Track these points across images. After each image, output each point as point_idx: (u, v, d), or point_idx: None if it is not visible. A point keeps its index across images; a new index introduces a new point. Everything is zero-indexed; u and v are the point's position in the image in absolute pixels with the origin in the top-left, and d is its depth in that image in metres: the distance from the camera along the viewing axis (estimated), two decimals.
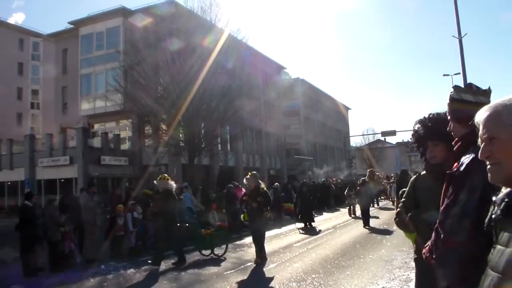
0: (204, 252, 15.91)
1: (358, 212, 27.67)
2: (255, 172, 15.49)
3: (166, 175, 15.79)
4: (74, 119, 43.24)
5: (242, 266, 13.81)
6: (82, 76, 45.07)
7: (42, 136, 45.51)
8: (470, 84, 3.68)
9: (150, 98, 31.09)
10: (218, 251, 15.98)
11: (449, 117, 3.65)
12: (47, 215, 14.72)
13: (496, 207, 2.05)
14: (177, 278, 12.44)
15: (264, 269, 13.28)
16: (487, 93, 3.56)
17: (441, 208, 3.39)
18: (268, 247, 17.81)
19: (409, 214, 4.72)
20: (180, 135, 32.96)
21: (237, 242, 19.86)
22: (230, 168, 48.19)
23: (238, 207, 24.38)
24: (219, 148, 44.36)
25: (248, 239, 20.54)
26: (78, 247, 15.81)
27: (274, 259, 14.84)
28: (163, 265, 14.34)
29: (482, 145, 2.05)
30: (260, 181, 14.74)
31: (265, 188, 14.99)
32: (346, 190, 32.61)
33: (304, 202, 25.96)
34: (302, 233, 21.84)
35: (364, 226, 23.33)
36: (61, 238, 14.82)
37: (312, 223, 25.13)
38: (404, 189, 7.30)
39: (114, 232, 15.94)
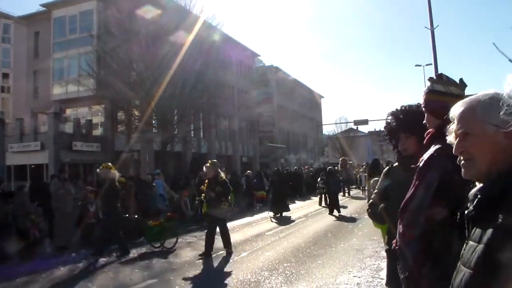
0: (154, 244, 15.32)
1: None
2: (215, 160, 14.97)
3: (109, 164, 15.26)
4: (46, 104, 42.64)
5: (214, 254, 13.77)
6: (54, 60, 44.41)
7: (13, 120, 44.79)
8: (440, 74, 3.69)
9: (124, 84, 30.86)
10: (168, 244, 15.22)
11: (423, 108, 3.67)
12: (16, 202, 14.52)
13: (469, 203, 2.06)
14: (149, 266, 12.41)
15: (236, 257, 13.29)
16: (458, 84, 3.57)
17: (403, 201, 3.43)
18: (240, 235, 17.91)
19: (382, 205, 4.72)
20: (153, 122, 32.80)
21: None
22: (202, 155, 48.02)
23: None
24: (192, 135, 44.19)
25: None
26: (49, 235, 15.61)
27: (246, 248, 14.88)
28: (134, 254, 14.31)
29: (456, 140, 2.06)
30: (219, 170, 14.21)
31: (224, 177, 14.24)
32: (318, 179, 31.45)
33: (277, 191, 25.61)
34: (274, 222, 21.72)
35: (330, 213, 23.60)
36: (31, 225, 14.68)
37: (284, 213, 24.73)
38: (376, 178, 7.34)
39: (85, 220, 15.75)
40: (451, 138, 2.18)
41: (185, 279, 10.57)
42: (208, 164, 14.15)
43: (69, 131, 39.42)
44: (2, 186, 14.85)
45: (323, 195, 29.19)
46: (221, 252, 14.08)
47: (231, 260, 12.88)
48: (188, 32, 30.57)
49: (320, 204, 29.27)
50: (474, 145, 1.98)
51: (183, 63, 29.40)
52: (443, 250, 2.82)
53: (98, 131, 43.62)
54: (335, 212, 24.40)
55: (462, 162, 2.05)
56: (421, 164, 3.25)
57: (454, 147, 2.08)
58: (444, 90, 3.51)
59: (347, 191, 38.23)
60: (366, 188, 37.07)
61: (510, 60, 2.97)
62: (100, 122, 43.97)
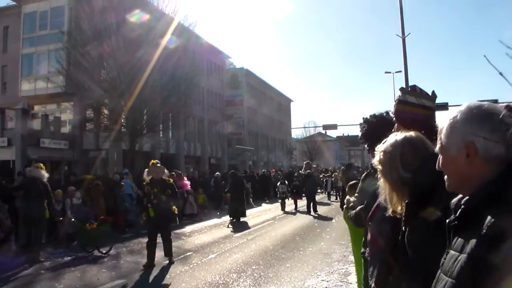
0: (88, 248, 14.54)
1: (290, 207, 28.17)
2: (157, 161, 13.57)
3: (41, 164, 14.95)
4: (14, 99, 41.99)
5: (182, 256, 13.78)
6: (23, 56, 43.76)
7: None
8: (414, 86, 3.74)
9: (93, 82, 30.61)
10: (103, 249, 14.35)
11: (393, 118, 3.72)
12: None
13: (451, 213, 2.09)
14: (116, 266, 12.34)
15: (204, 259, 13.28)
16: (431, 97, 3.62)
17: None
18: (208, 236, 17.92)
19: (362, 206, 4.75)
20: (122, 120, 32.58)
21: (177, 231, 19.80)
22: (171, 155, 47.83)
23: (180, 194, 24.32)
24: (161, 135, 44.00)
25: (189, 228, 20.56)
26: (14, 233, 15.34)
27: (214, 249, 14.87)
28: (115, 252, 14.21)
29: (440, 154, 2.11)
30: (165, 171, 13.11)
31: (171, 180, 13.46)
32: (278, 183, 30.76)
33: (235, 195, 23.77)
34: (229, 228, 20.54)
35: (308, 213, 25.15)
36: None
37: (241, 218, 23.24)
38: (353, 182, 7.41)
39: (51, 218, 15.47)
40: (375, 159, 2.24)
41: (153, 279, 10.54)
42: (152, 165, 12.94)
43: (37, 127, 38.89)
44: None
45: (285, 200, 28.52)
46: (188, 254, 14.09)
47: (199, 262, 12.86)
48: (161, 32, 30.46)
49: (282, 209, 27.98)
50: (443, 163, 2.08)
51: (153, 62, 29.28)
52: (403, 265, 2.86)
53: (66, 129, 43.09)
54: (312, 212, 25.46)
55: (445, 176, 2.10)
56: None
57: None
58: (417, 102, 3.56)
59: None
60: (332, 192, 37.06)
61: (500, 74, 3.00)
62: (69, 119, 43.46)
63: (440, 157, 2.09)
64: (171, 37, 30.02)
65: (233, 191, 24.10)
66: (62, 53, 34.63)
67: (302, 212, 26.68)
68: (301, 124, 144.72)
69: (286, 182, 29.71)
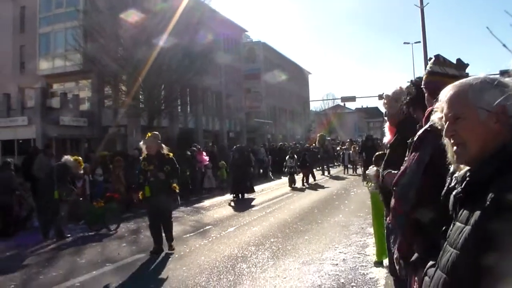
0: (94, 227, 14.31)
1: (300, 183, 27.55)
2: (155, 132, 12.07)
3: (80, 158, 14.61)
4: (33, 78, 42.20)
5: (202, 229, 13.90)
6: (40, 35, 43.89)
7: None
8: (438, 55, 3.72)
9: (110, 59, 30.62)
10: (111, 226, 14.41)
11: (423, 86, 3.72)
12: (1, 178, 14.43)
13: (457, 184, 2.09)
14: (136, 241, 12.47)
15: (222, 232, 13.36)
16: (456, 65, 3.60)
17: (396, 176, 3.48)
18: (227, 210, 18.03)
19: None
20: (140, 96, 32.63)
21: (196, 205, 19.95)
22: (189, 130, 47.89)
23: (197, 169, 24.37)
24: (179, 110, 44.01)
25: (208, 202, 20.69)
26: (36, 211, 15.50)
27: (233, 223, 14.97)
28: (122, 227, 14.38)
29: (447, 123, 2.07)
30: (163, 145, 11.51)
31: (171, 154, 11.56)
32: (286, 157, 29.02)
33: (238, 170, 22.61)
34: (228, 209, 19.04)
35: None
36: (15, 202, 14.67)
37: (246, 195, 22.27)
38: (380, 152, 7.39)
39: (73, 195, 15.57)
40: (435, 117, 2.20)
41: (172, 253, 10.63)
42: (147, 137, 11.46)
43: (56, 106, 39.09)
44: None
45: (294, 175, 27.35)
46: (208, 227, 14.19)
47: (218, 235, 12.94)
48: (176, 7, 30.33)
49: (290, 185, 26.61)
50: (466, 129, 1.99)
51: (170, 38, 29.16)
52: (432, 228, 2.87)
53: (85, 106, 43.31)
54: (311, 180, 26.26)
55: (454, 147, 2.07)
56: (415, 140, 3.29)
57: (444, 130, 2.10)
58: (440, 71, 3.55)
59: (326, 169, 36.34)
60: (350, 166, 36.34)
61: (504, 45, 2.98)
62: (87, 96, 43.64)
63: (450, 125, 2.06)
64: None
65: (237, 166, 22.84)
66: (79, 31, 34.69)
67: (312, 188, 26.22)
68: (319, 96, 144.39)
69: (295, 156, 28.50)
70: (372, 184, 8.48)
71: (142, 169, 11.17)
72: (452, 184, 2.23)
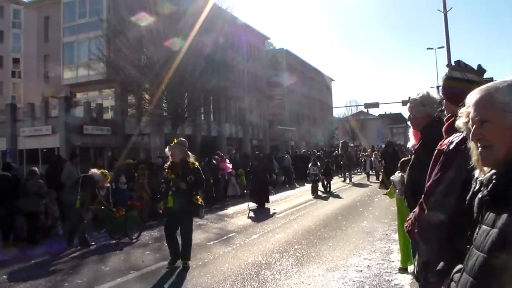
0: (115, 235, 14.22)
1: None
2: (182, 139, 11.37)
3: (107, 172, 14.69)
4: (56, 88, 42.74)
5: (225, 237, 13.89)
6: (64, 45, 44.50)
7: (24, 105, 44.89)
8: (459, 61, 3.71)
9: (134, 67, 30.84)
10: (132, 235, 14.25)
11: (441, 94, 3.70)
12: (28, 186, 14.58)
13: (482, 187, 2.07)
14: (160, 249, 12.44)
15: (246, 239, 13.35)
16: (476, 71, 3.58)
17: (427, 184, 3.43)
18: (250, 218, 17.97)
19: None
20: (163, 105, 32.82)
21: (220, 212, 19.98)
22: (213, 138, 48.12)
23: (220, 177, 24.37)
24: (202, 118, 44.18)
25: (232, 209, 20.69)
26: (61, 218, 15.61)
27: (257, 230, 14.95)
28: (146, 235, 14.42)
29: (473, 127, 2.06)
30: (189, 153, 10.70)
31: (196, 164, 10.79)
32: (309, 165, 27.41)
33: (257, 178, 21.84)
34: (252, 216, 18.60)
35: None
36: (42, 210, 14.79)
37: (266, 204, 21.34)
38: (405, 158, 7.35)
39: (96, 204, 15.60)
40: (460, 122, 2.18)
41: (196, 261, 10.62)
42: (173, 144, 10.70)
43: (79, 115, 39.44)
44: (13, 172, 14.81)
45: (318, 183, 26.44)
46: (231, 235, 14.18)
47: (242, 242, 12.93)
48: (198, 14, 30.47)
49: (313, 193, 25.55)
50: (493, 133, 1.99)
51: (193, 46, 29.33)
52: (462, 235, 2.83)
53: (108, 115, 43.67)
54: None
55: (480, 149, 2.05)
56: (451, 147, 3.24)
57: (471, 133, 2.08)
58: (461, 76, 3.53)
59: (348, 176, 35.28)
60: (370, 172, 35.81)
61: None
62: (111, 105, 44.05)
63: (476, 128, 2.05)
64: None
65: (256, 174, 22.19)
66: (102, 40, 35.00)
67: (335, 195, 25.95)
68: (342, 103, 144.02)
69: (318, 163, 27.16)
70: (397, 190, 8.44)
71: (166, 177, 10.59)
72: (477, 187, 2.21)
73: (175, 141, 10.86)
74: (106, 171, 14.69)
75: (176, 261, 10.29)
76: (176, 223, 10.38)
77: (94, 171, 13.92)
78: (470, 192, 2.38)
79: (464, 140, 3.16)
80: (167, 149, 10.80)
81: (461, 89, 3.29)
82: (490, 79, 2.58)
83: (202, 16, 30.40)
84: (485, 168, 2.20)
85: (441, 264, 2.89)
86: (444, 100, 3.73)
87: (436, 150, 3.50)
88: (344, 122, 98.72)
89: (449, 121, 3.46)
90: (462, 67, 3.60)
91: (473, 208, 2.29)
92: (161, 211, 10.94)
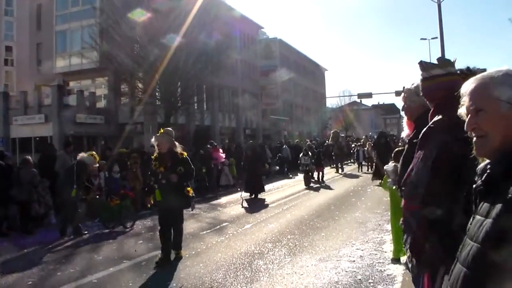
0: (109, 224, 14.26)
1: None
2: (169, 128, 10.68)
3: (95, 153, 14.62)
4: (49, 76, 42.57)
5: (218, 226, 13.91)
6: (57, 33, 44.27)
7: (17, 93, 44.63)
8: (420, 62, 3.75)
9: (127, 56, 30.74)
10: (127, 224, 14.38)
11: (421, 94, 3.75)
12: (21, 175, 14.55)
13: (477, 177, 2.07)
14: (153, 238, 12.43)
15: (239, 229, 13.37)
16: (439, 64, 3.63)
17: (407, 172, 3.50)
18: (243, 208, 17.98)
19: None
20: (157, 94, 32.76)
21: (213, 202, 19.99)
22: (206, 127, 48.07)
23: (213, 166, 24.33)
24: (195, 107, 44.10)
25: (225, 199, 20.68)
26: (54, 208, 15.57)
27: (250, 220, 14.97)
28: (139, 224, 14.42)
29: (468, 117, 2.06)
30: (176, 143, 10.14)
31: (185, 154, 10.24)
32: (300, 155, 27.14)
33: (251, 168, 21.31)
34: (245, 206, 18.52)
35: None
36: (35, 199, 14.75)
37: (259, 194, 21.17)
38: (399, 148, 7.37)
39: (90, 193, 15.56)
40: (462, 111, 2.18)
41: (189, 250, 10.63)
42: (160, 133, 10.13)
43: (72, 103, 39.30)
44: (6, 160, 14.74)
45: (310, 174, 26.25)
46: (224, 224, 14.20)
47: (234, 232, 12.95)
48: (192, 3, 30.38)
49: (306, 184, 25.31)
50: (488, 122, 1.99)
51: (186, 35, 29.25)
52: (446, 222, 2.85)
53: (101, 104, 43.53)
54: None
55: (475, 139, 2.05)
56: (420, 137, 3.31)
57: (466, 123, 2.08)
58: (444, 72, 3.56)
59: (340, 167, 35.20)
60: (362, 163, 35.52)
61: None
62: (104, 94, 43.89)
63: (471, 118, 2.05)
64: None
65: (250, 164, 21.60)
66: (95, 29, 34.93)
67: (328, 185, 25.78)
68: (336, 93, 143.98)
69: (310, 153, 26.63)
70: (390, 180, 8.46)
71: (153, 170, 10.09)
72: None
73: (162, 130, 10.26)
74: (93, 152, 14.74)
75: (167, 260, 9.78)
76: (169, 216, 9.94)
77: (82, 155, 13.96)
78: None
79: (429, 130, 3.21)
80: (153, 139, 10.21)
81: (447, 84, 3.34)
82: (484, 70, 2.59)
83: (196, 6, 30.31)
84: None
85: (427, 253, 2.92)
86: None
87: (408, 141, 3.60)
88: (337, 112, 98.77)
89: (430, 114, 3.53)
90: (425, 66, 3.65)
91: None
92: (149, 206, 10.76)
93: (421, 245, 3.12)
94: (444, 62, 3.63)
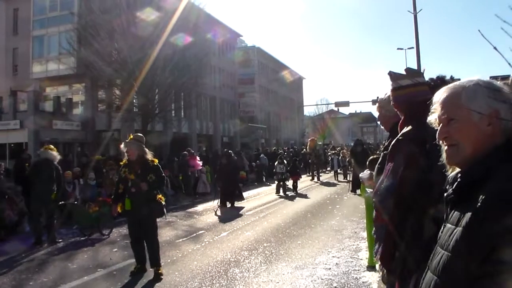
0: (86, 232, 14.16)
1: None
2: (139, 134, 10.36)
3: (52, 146, 14.26)
4: (25, 82, 42.14)
5: (194, 234, 13.86)
6: (34, 38, 43.86)
7: None
8: (389, 72, 3.78)
9: (104, 63, 30.58)
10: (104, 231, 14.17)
11: (392, 104, 3.77)
12: None
13: (448, 186, 2.08)
14: (128, 246, 12.15)
15: (216, 237, 13.33)
16: (407, 75, 3.67)
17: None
18: (219, 215, 17.93)
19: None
20: (134, 101, 32.62)
21: (189, 210, 19.92)
22: (183, 135, 47.94)
23: (190, 174, 24.27)
24: (173, 114, 43.95)
25: (202, 206, 20.61)
26: (28, 215, 15.37)
27: (226, 227, 14.94)
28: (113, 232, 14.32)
29: (440, 126, 2.07)
30: (146, 150, 9.71)
31: (156, 161, 9.83)
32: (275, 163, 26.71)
33: (226, 176, 20.88)
34: (221, 214, 18.34)
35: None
36: (6, 207, 14.55)
37: (235, 203, 20.75)
38: (373, 156, 7.40)
39: (64, 200, 15.34)
40: (432, 118, 2.19)
41: (165, 258, 10.55)
42: (129, 140, 9.68)
43: (49, 109, 38.94)
44: None
45: (284, 182, 25.61)
46: (201, 232, 14.16)
47: (211, 240, 12.91)
48: (172, 10, 30.36)
49: (277, 192, 25.14)
50: (459, 131, 2.00)
51: (165, 42, 29.21)
52: (415, 233, 2.86)
53: (78, 110, 43.20)
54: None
55: (446, 148, 2.06)
56: (389, 149, 3.34)
57: (437, 132, 2.09)
58: (412, 82, 3.60)
59: (316, 175, 34.84)
60: (340, 171, 34.98)
61: (495, 48, 3.02)
62: (81, 101, 43.58)
63: (443, 127, 2.06)
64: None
65: (225, 172, 21.15)
66: (73, 34, 34.70)
67: (304, 193, 25.56)
68: (313, 101, 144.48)
69: (285, 162, 26.36)
70: (369, 190, 8.50)
71: (122, 178, 9.63)
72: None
73: (131, 136, 9.80)
74: (50, 145, 14.36)
75: (143, 269, 9.46)
76: (140, 227, 9.43)
77: (42, 151, 13.79)
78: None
79: (397, 142, 3.24)
80: (122, 146, 9.79)
81: (416, 94, 3.38)
82: (458, 79, 2.61)
83: (177, 13, 30.29)
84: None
85: (397, 263, 2.94)
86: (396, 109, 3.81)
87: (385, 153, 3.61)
88: (315, 120, 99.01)
89: (400, 124, 3.56)
90: (394, 77, 3.69)
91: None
92: (116, 215, 10.24)
93: (391, 255, 3.13)
94: (412, 72, 3.66)
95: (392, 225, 3.09)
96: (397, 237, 3.03)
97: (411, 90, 3.50)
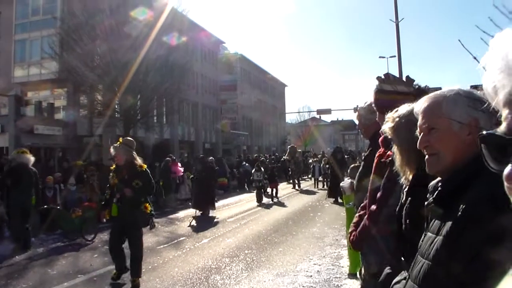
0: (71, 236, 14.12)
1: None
2: (129, 138, 10.11)
3: (25, 149, 14.20)
4: (6, 86, 41.67)
5: (176, 241, 13.84)
6: (16, 42, 43.53)
7: None
8: (388, 74, 3.79)
9: (86, 68, 30.44)
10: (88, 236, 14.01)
11: (374, 108, 3.77)
12: None
13: (428, 195, 2.10)
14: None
15: (197, 244, 13.31)
16: (406, 82, 3.66)
17: (378, 195, 3.48)
18: (201, 221, 17.87)
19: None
20: (116, 106, 32.48)
21: (171, 216, 19.86)
22: (165, 141, 47.75)
23: (171, 180, 24.18)
24: (155, 120, 43.79)
25: (183, 213, 20.54)
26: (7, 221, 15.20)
27: (207, 234, 14.92)
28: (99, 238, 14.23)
29: (421, 135, 2.09)
30: (135, 155, 9.33)
31: (144, 167, 9.42)
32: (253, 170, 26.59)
33: (201, 183, 20.12)
34: (202, 221, 18.03)
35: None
36: None
37: (210, 211, 19.83)
38: (355, 165, 7.43)
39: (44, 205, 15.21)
40: (385, 127, 2.22)
41: (145, 265, 10.51)
42: (118, 144, 9.40)
43: (30, 114, 38.63)
44: None
45: (262, 190, 24.85)
46: (182, 239, 14.13)
47: (192, 247, 12.89)
48: (155, 17, 30.32)
49: (258, 200, 24.04)
50: (439, 140, 2.02)
51: (146, 47, 29.14)
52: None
53: (60, 115, 42.89)
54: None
55: (427, 157, 2.08)
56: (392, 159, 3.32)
57: (418, 141, 2.11)
58: (391, 89, 3.60)
59: (297, 183, 34.20)
60: (319, 178, 34.41)
61: (474, 58, 3.05)
62: (62, 105, 43.26)
63: (424, 136, 2.07)
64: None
65: (199, 179, 20.44)
66: (55, 39, 34.44)
67: (285, 201, 25.49)
68: (295, 109, 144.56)
69: (262, 169, 25.69)
70: (351, 203, 8.53)
71: (110, 183, 9.40)
72: (404, 198, 2.39)
73: (120, 140, 9.49)
74: (23, 149, 14.25)
75: (121, 276, 9.33)
76: (123, 235, 9.27)
77: (16, 155, 13.56)
78: (399, 204, 2.44)
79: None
80: (111, 149, 9.47)
81: (392, 101, 3.37)
82: (438, 88, 2.63)
83: (161, 19, 30.25)
84: (409, 175, 2.31)
85: (384, 274, 2.94)
86: (378, 113, 3.80)
87: (376, 160, 3.57)
88: (296, 127, 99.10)
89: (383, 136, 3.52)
90: (391, 80, 3.69)
91: (402, 219, 2.37)
92: (105, 220, 10.17)
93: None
94: (410, 81, 3.67)
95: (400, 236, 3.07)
96: (403, 248, 3.02)
97: (396, 98, 3.51)
